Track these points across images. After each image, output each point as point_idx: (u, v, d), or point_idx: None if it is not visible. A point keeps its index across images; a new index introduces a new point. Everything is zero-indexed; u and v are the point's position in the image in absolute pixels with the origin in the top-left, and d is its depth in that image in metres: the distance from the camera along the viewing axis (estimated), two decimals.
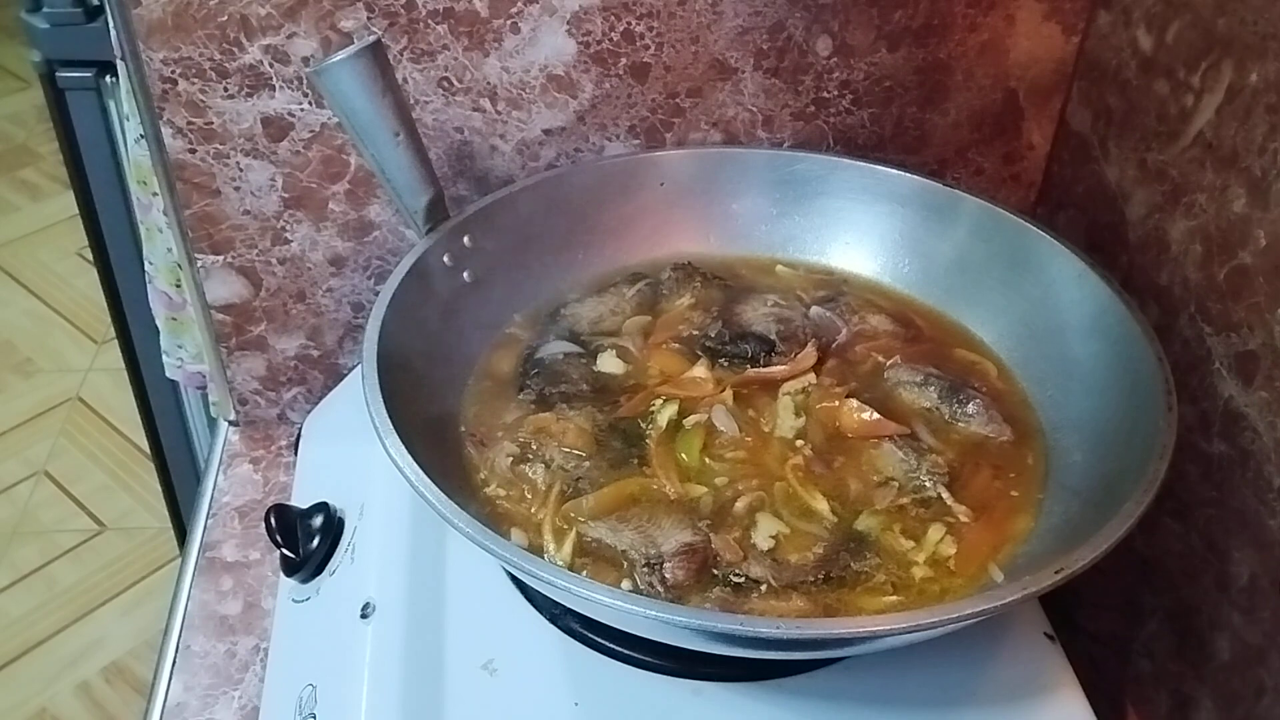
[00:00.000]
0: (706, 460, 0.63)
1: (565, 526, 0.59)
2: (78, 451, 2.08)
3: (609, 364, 0.69)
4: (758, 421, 0.66)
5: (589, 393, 0.67)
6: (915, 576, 0.58)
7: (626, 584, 0.56)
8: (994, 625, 0.62)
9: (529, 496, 0.61)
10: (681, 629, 0.49)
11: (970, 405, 0.66)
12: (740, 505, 0.60)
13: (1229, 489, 0.63)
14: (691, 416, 0.65)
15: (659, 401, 0.66)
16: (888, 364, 0.69)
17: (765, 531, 0.59)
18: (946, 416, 0.66)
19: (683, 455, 0.63)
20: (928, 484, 0.62)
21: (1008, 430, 0.65)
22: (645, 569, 0.56)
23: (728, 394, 0.66)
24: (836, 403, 0.66)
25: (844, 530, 0.60)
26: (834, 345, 0.71)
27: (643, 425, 0.65)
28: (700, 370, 0.68)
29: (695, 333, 0.71)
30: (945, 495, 0.61)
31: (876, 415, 0.65)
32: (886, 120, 0.81)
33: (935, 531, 0.59)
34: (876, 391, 0.68)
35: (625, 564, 0.57)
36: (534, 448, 0.63)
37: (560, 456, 0.63)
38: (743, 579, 0.56)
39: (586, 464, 0.62)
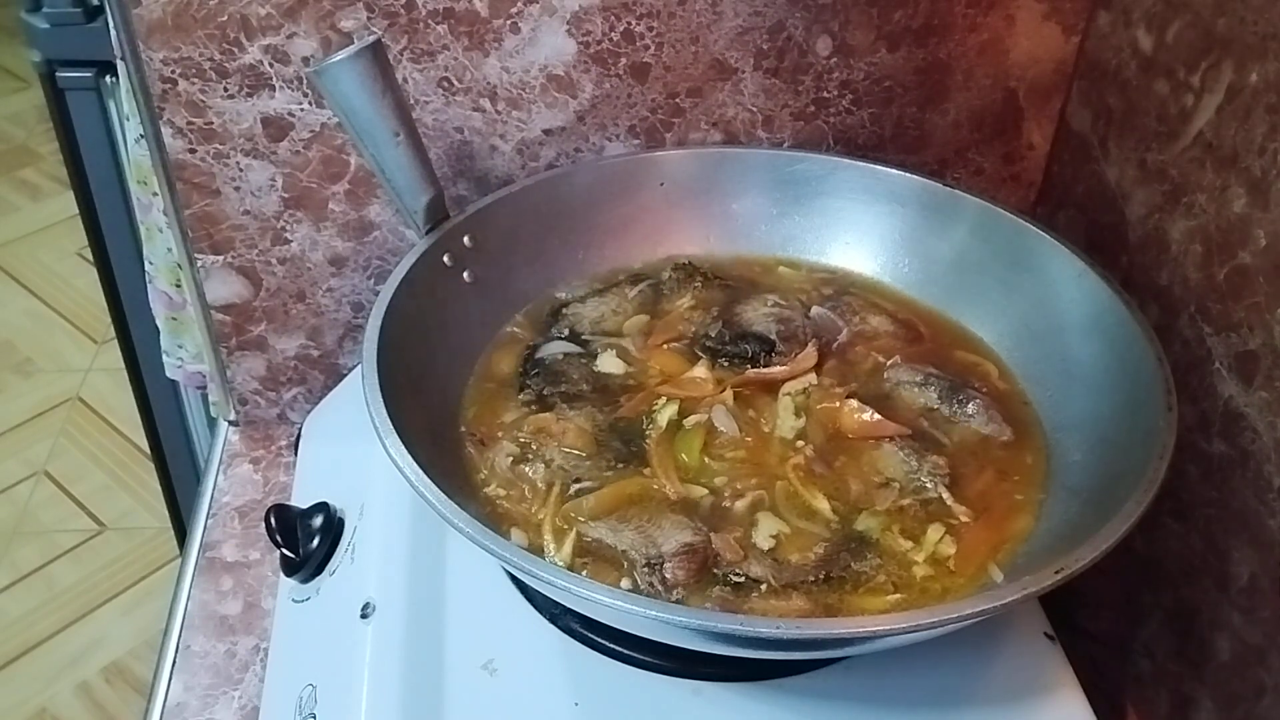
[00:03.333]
0: (706, 460, 0.63)
1: (565, 526, 0.59)
2: (78, 451, 2.08)
3: (609, 364, 0.69)
4: (758, 422, 0.66)
5: (589, 393, 0.67)
6: (916, 576, 0.58)
7: (626, 584, 0.56)
8: (994, 625, 0.62)
9: (529, 496, 0.61)
10: (681, 629, 0.49)
11: (970, 405, 0.66)
12: (740, 505, 0.60)
13: (1229, 489, 0.63)
14: (691, 417, 0.65)
15: (659, 401, 0.66)
16: (888, 364, 0.69)
17: (766, 531, 0.59)
18: (947, 416, 0.66)
19: (683, 455, 0.63)
20: (928, 485, 0.62)
21: (1008, 430, 0.65)
22: (645, 569, 0.56)
23: (728, 394, 0.66)
24: (837, 403, 0.66)
25: (845, 530, 0.60)
26: (834, 345, 0.71)
27: (643, 425, 0.65)
28: (700, 370, 0.68)
29: (696, 333, 0.71)
30: (946, 496, 0.61)
31: (877, 416, 0.65)
32: (886, 120, 0.81)
33: (934, 531, 0.59)
34: (877, 392, 0.68)
35: (625, 564, 0.57)
36: (534, 448, 0.63)
37: (560, 456, 0.63)
38: (743, 579, 0.56)
39: (586, 464, 0.62)
